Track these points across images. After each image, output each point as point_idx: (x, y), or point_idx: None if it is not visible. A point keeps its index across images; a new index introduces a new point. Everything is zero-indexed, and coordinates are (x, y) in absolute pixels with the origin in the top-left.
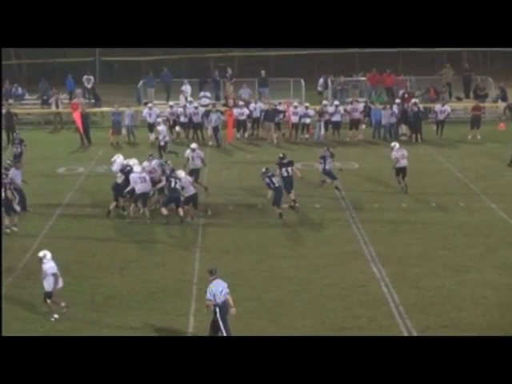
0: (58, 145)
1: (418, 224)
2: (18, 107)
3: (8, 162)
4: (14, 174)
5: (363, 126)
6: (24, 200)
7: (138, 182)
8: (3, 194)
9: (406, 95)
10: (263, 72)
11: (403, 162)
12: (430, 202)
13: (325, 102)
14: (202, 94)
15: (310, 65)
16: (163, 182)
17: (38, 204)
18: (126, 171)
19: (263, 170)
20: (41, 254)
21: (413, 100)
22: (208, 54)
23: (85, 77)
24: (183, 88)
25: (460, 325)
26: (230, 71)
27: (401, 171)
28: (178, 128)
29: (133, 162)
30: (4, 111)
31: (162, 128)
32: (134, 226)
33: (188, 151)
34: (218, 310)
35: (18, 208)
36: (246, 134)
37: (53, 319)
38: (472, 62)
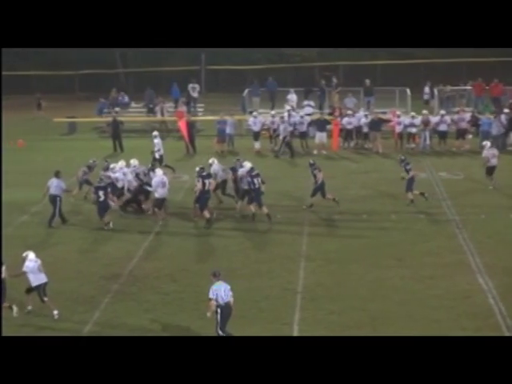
0: (164, 153)
1: None
2: (124, 115)
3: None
4: (57, 183)
5: (470, 136)
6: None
7: (160, 186)
8: (102, 197)
9: None
10: (367, 81)
11: (493, 161)
12: None
13: (424, 111)
14: (305, 102)
15: (416, 74)
16: (199, 185)
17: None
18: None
19: (248, 167)
20: (24, 254)
21: None
22: (313, 63)
23: (190, 85)
24: (289, 97)
25: None
26: (335, 80)
27: (491, 170)
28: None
29: (133, 162)
30: (111, 119)
31: (157, 141)
32: (239, 234)
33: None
34: (219, 310)
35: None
36: (352, 144)
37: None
38: None
